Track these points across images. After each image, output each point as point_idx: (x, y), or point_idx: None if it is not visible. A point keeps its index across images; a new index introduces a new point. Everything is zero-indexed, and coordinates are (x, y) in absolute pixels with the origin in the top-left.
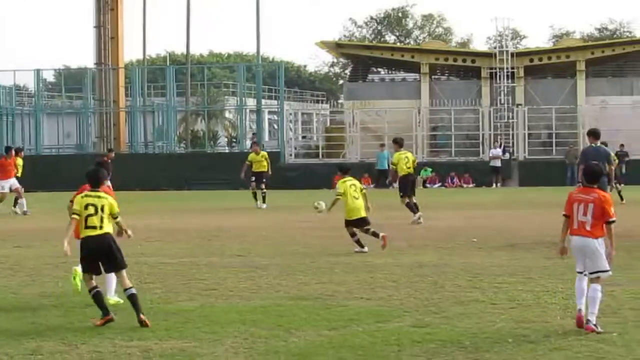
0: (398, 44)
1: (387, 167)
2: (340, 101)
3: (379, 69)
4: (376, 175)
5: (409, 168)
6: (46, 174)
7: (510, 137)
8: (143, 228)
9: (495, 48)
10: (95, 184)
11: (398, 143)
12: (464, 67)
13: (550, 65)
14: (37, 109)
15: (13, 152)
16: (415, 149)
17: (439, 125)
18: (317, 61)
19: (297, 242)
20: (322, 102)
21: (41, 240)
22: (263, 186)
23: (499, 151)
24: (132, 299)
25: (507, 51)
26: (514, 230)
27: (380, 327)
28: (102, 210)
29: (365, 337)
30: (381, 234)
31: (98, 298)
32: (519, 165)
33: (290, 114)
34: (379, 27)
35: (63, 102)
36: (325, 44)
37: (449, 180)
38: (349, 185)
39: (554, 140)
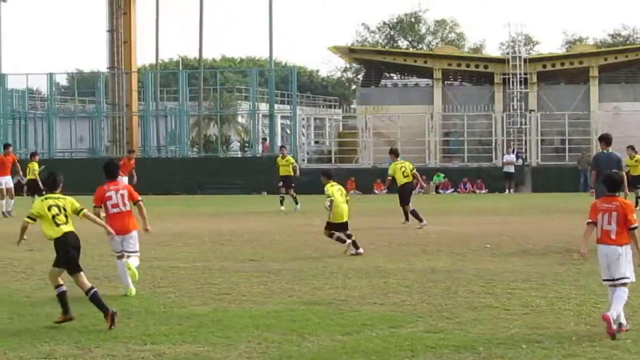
0: (411, 49)
1: None
2: (352, 106)
3: (392, 74)
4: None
5: (406, 177)
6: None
7: (523, 143)
8: (156, 232)
9: (508, 54)
10: (53, 187)
11: (394, 153)
12: (476, 72)
13: (563, 71)
14: (50, 113)
15: (10, 150)
16: (427, 155)
17: (451, 131)
18: (329, 66)
19: (310, 247)
20: (334, 107)
21: (52, 243)
22: (292, 190)
23: (512, 157)
24: (96, 298)
25: (520, 57)
26: (527, 236)
27: (394, 332)
28: (65, 209)
29: (379, 342)
30: (348, 241)
31: (63, 298)
32: (532, 171)
33: (303, 119)
34: (392, 33)
35: (76, 106)
36: (338, 49)
37: (462, 186)
38: (337, 189)
39: (566, 146)
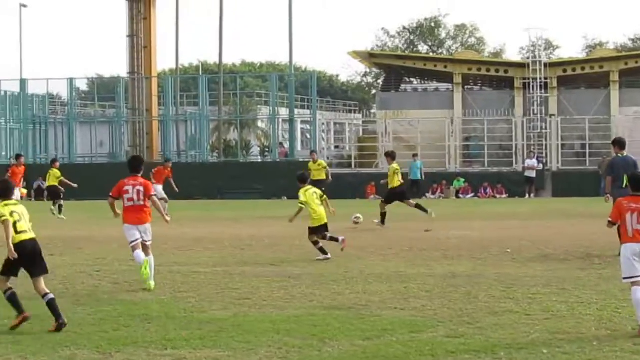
0: (431, 54)
1: (419, 177)
2: (372, 111)
3: (412, 79)
4: (409, 186)
5: (400, 180)
6: (79, 182)
7: (544, 147)
8: (176, 237)
9: (528, 58)
10: (5, 195)
11: (390, 156)
12: (497, 77)
13: (584, 76)
14: (70, 118)
15: (22, 160)
16: (447, 159)
17: (471, 136)
18: (349, 71)
19: (330, 252)
20: (354, 112)
21: (74, 248)
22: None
23: (534, 162)
24: (52, 304)
25: (540, 61)
26: (548, 241)
27: (414, 337)
28: (24, 216)
29: (399, 347)
30: (341, 238)
31: (14, 299)
32: (553, 175)
33: (323, 123)
34: (412, 37)
35: (96, 111)
36: (358, 54)
37: (482, 191)
38: (311, 193)
39: (587, 150)
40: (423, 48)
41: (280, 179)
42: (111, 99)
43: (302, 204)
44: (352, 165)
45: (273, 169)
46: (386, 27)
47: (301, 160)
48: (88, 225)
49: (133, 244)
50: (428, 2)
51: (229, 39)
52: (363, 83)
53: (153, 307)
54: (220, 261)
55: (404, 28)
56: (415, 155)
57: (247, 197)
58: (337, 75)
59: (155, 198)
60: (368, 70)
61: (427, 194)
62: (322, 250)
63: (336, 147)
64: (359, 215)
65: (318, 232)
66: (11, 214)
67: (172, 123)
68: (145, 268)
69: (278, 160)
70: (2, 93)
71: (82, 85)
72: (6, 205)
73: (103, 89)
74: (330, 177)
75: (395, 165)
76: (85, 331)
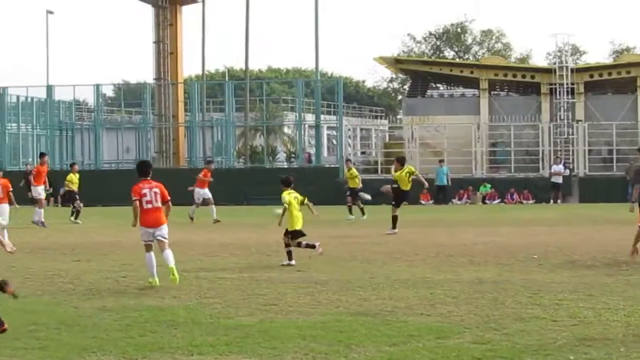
0: (457, 59)
1: (445, 183)
2: (399, 117)
3: (438, 85)
4: (435, 192)
5: (408, 184)
6: (105, 188)
7: (570, 153)
8: (202, 243)
9: (554, 64)
10: None
11: (400, 162)
12: (523, 82)
13: (611, 81)
14: (97, 124)
15: (46, 159)
16: (474, 165)
17: (498, 141)
18: (375, 76)
19: (356, 258)
20: (380, 118)
21: (101, 254)
22: (359, 201)
23: (561, 167)
24: None
25: (566, 67)
26: (575, 247)
27: (441, 343)
28: None
29: (426, 353)
30: (317, 244)
31: None
32: (579, 181)
33: (349, 129)
34: (438, 43)
35: (122, 117)
36: (384, 60)
37: (509, 197)
38: (293, 197)
39: (614, 156)
40: (449, 54)
41: (307, 184)
42: (137, 105)
43: (286, 204)
44: (378, 171)
45: (299, 174)
46: (412, 32)
47: (327, 166)
48: (114, 231)
49: (146, 244)
50: (454, 8)
51: (255, 45)
52: (389, 89)
53: (179, 312)
54: (246, 267)
55: (430, 34)
56: (441, 161)
57: (273, 203)
58: (363, 81)
59: (169, 204)
60: (394, 76)
61: (453, 200)
62: (290, 255)
63: (362, 152)
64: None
65: (293, 235)
66: None
67: (199, 129)
68: (173, 275)
69: (305, 166)
70: (29, 99)
71: (109, 92)
72: None
73: (129, 95)
74: (360, 185)
75: (406, 168)
76: (111, 337)
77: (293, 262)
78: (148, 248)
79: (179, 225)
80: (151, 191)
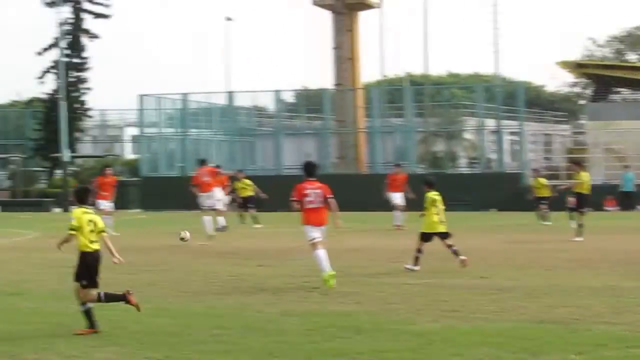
0: None
1: (631, 189)
2: (581, 122)
3: (621, 89)
4: (620, 197)
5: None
6: (287, 194)
7: None
8: (384, 248)
9: None
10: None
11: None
12: None
13: None
14: (277, 130)
15: (208, 165)
16: None
17: None
18: (556, 81)
19: (541, 265)
20: (562, 123)
21: (282, 259)
22: (544, 207)
23: None
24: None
25: None
26: None
27: (630, 352)
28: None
29: None
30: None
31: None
32: None
33: (531, 134)
34: (621, 46)
35: (302, 123)
36: (565, 64)
37: None
38: (434, 198)
39: None
40: (632, 57)
41: (489, 190)
42: (317, 110)
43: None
44: (561, 177)
45: (481, 180)
46: (594, 36)
47: (508, 171)
48: (298, 237)
49: (312, 241)
50: (637, 11)
51: (434, 50)
52: (571, 94)
53: (362, 318)
54: (430, 273)
55: (613, 37)
56: (626, 167)
57: (456, 208)
58: (543, 86)
59: (332, 201)
60: (576, 81)
61: (638, 207)
62: (416, 260)
63: (545, 158)
64: (186, 232)
65: (428, 238)
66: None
67: (379, 134)
68: (332, 279)
69: (487, 171)
70: (210, 106)
71: (288, 98)
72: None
73: (309, 101)
74: (551, 193)
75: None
76: (295, 341)
77: (418, 267)
78: (315, 246)
79: (359, 232)
80: (314, 192)
